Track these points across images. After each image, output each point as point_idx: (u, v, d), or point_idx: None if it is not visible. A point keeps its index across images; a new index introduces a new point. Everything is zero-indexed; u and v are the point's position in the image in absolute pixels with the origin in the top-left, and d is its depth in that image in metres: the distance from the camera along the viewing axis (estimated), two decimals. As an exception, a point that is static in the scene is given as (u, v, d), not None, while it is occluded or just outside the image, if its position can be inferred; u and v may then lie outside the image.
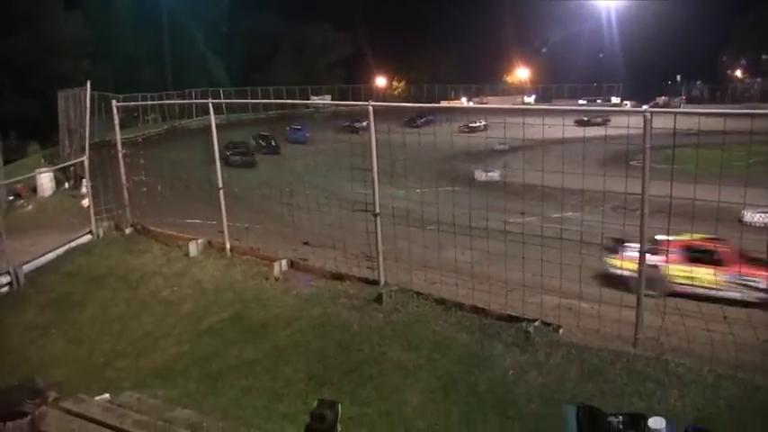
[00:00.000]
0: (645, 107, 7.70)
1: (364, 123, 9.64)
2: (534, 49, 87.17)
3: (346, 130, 39.13)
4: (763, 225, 18.13)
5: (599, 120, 38.29)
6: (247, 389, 7.91)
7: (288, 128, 43.50)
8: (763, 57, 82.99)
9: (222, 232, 11.47)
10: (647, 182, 7.38)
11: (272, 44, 71.10)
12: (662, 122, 7.79)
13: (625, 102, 67.91)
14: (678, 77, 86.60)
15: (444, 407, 7.01)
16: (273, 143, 39.06)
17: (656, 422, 4.63)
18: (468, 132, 35.79)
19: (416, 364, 7.66)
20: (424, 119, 42.83)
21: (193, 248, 11.57)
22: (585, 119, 39.37)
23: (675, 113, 8.26)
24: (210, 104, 11.56)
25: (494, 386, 7.12)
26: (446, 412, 6.91)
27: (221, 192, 11.46)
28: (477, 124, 39.66)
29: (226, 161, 27.59)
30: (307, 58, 74.63)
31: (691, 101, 77.04)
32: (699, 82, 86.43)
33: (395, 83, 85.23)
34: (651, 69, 77.44)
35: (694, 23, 72.64)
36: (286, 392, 7.68)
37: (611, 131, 8.70)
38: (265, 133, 40.28)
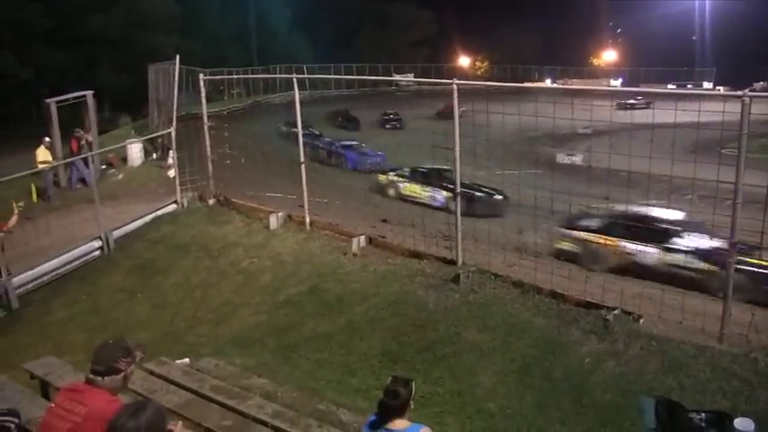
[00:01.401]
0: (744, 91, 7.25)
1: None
2: (620, 32, 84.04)
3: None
4: None
5: (641, 102, 36.57)
6: (321, 361, 8.05)
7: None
8: None
9: (302, 206, 11.65)
10: (741, 170, 7.01)
11: (356, 21, 71.34)
12: (758, 109, 7.38)
13: (718, 87, 64.62)
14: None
15: (517, 391, 6.94)
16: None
17: (743, 423, 4.38)
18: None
19: (491, 345, 7.60)
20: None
21: (274, 221, 11.81)
22: (629, 102, 37.77)
23: (776, 98, 7.80)
24: (295, 80, 11.70)
25: (569, 373, 6.99)
26: (519, 396, 6.84)
27: (303, 166, 11.61)
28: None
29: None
30: (390, 35, 74.45)
31: (792, 86, 72.55)
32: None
33: (478, 63, 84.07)
34: (747, 53, 73.20)
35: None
36: (359, 367, 7.78)
37: (703, 117, 8.27)
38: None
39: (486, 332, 7.83)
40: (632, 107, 35.20)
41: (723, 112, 7.93)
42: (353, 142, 28.04)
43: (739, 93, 7.21)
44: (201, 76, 13.56)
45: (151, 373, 6.92)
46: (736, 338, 7.08)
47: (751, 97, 7.07)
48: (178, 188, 13.48)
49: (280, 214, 11.97)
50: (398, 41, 75.00)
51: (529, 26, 78.82)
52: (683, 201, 13.41)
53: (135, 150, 19.30)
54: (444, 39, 75.40)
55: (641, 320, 7.49)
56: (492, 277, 8.85)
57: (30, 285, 10.83)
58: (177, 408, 6.10)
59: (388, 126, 39.57)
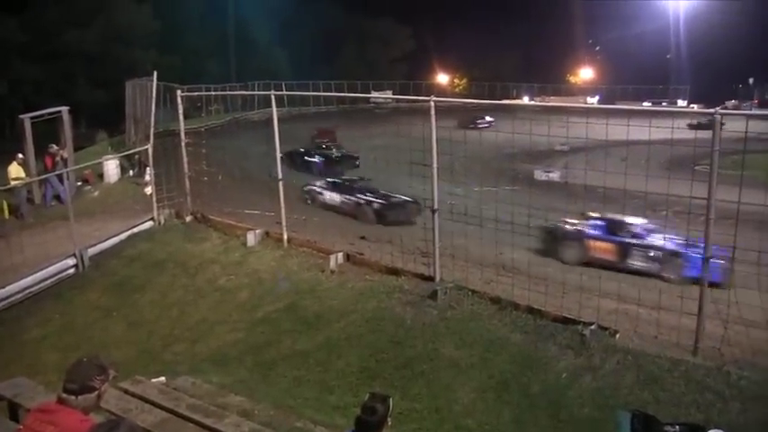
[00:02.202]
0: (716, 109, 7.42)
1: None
2: (598, 50, 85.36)
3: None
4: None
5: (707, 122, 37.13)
6: (299, 379, 8.01)
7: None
8: None
9: (280, 223, 11.63)
10: (714, 186, 7.14)
11: (334, 37, 71.60)
12: (731, 126, 7.55)
13: (692, 105, 65.75)
14: (750, 80, 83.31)
15: (495, 407, 6.96)
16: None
17: None
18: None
19: (469, 362, 7.61)
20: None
21: (251, 238, 11.76)
22: (701, 122, 38.43)
23: (748, 116, 7.99)
24: (273, 97, 11.72)
25: (546, 388, 7.03)
26: (497, 412, 6.86)
27: (280, 183, 11.60)
28: None
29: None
30: (370, 52, 74.82)
31: (763, 105, 73.93)
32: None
33: (456, 80, 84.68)
34: (720, 72, 74.67)
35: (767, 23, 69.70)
36: (337, 384, 7.75)
37: (676, 135, 8.43)
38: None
39: (463, 348, 7.84)
40: (701, 127, 35.84)
41: (696, 129, 8.10)
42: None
43: (711, 110, 7.37)
44: (179, 92, 13.53)
45: (126, 392, 6.83)
46: (710, 352, 7.17)
47: (722, 114, 7.22)
48: (155, 205, 13.38)
49: (257, 231, 11.93)
50: (378, 58, 75.37)
51: (507, 44, 79.70)
52: (658, 216, 13.65)
53: (111, 167, 19.12)
54: (424, 56, 75.88)
55: (617, 335, 7.57)
56: (469, 293, 8.88)
57: (2, 304, 10.64)
58: (153, 427, 6.03)
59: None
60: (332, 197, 19.84)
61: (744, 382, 6.55)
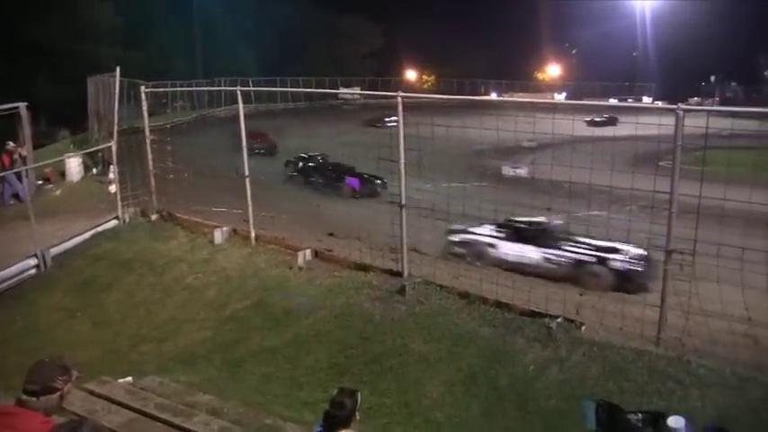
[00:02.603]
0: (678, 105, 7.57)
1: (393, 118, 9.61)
2: (566, 47, 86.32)
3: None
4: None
5: (605, 119, 38.09)
6: (268, 376, 7.99)
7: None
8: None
9: (247, 221, 11.55)
10: (676, 180, 7.30)
11: (303, 34, 71.16)
12: (694, 123, 7.72)
13: (657, 102, 66.94)
14: (712, 78, 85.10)
15: (464, 400, 7.02)
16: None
17: (675, 421, 4.58)
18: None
19: (437, 356, 7.67)
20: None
21: (218, 236, 11.67)
22: (599, 120, 39.27)
23: (708, 111, 8.16)
24: (239, 93, 11.62)
25: (514, 381, 7.12)
26: (465, 405, 6.92)
27: (247, 180, 11.52)
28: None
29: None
30: (338, 49, 74.59)
31: (725, 102, 75.38)
32: (734, 83, 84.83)
33: (425, 77, 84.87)
34: (685, 70, 76.16)
35: (732, 23, 71.23)
36: (306, 381, 7.74)
37: (641, 131, 8.60)
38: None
39: (432, 343, 7.90)
40: (600, 124, 36.63)
41: (659, 124, 8.26)
42: None
43: (673, 106, 7.51)
44: (143, 88, 13.33)
45: (92, 393, 6.75)
46: (672, 342, 7.33)
47: (684, 110, 7.37)
48: (119, 204, 13.18)
49: (224, 229, 11.83)
50: (347, 55, 75.19)
51: (476, 42, 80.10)
52: (623, 211, 13.85)
53: (74, 165, 18.75)
54: (393, 53, 76.00)
55: (583, 328, 7.69)
56: (438, 288, 8.94)
57: (-40, 307, 10.40)
58: (120, 428, 5.99)
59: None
60: (520, 252, 12.98)
61: (702, 371, 6.74)
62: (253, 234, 11.50)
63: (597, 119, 38.99)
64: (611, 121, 36.10)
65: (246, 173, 11.54)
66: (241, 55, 61.34)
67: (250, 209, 11.48)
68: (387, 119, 42.04)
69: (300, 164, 26.37)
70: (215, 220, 12.56)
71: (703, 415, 6.08)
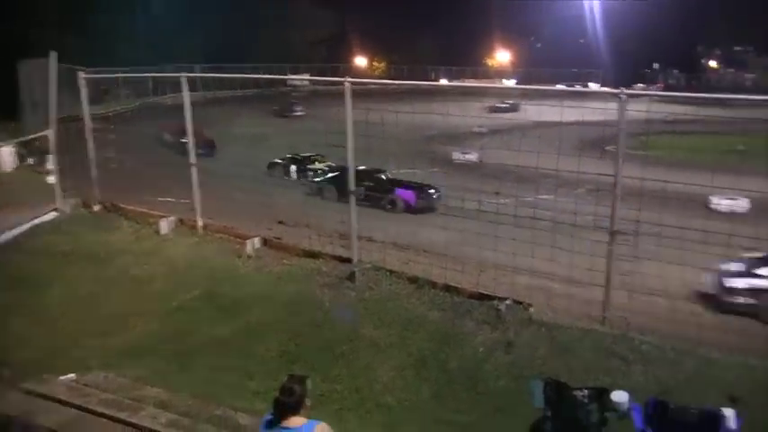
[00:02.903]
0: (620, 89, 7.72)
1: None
2: (517, 34, 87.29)
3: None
4: (728, 211, 18.30)
5: (508, 105, 39.07)
6: (218, 367, 7.85)
7: None
8: (735, 48, 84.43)
9: (195, 210, 11.33)
10: (620, 164, 7.46)
11: (253, 19, 70.04)
12: (638, 109, 7.90)
13: (603, 88, 68.39)
14: (656, 66, 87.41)
15: (415, 383, 7.05)
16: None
17: (618, 395, 4.71)
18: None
19: (388, 341, 7.67)
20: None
21: (164, 226, 11.40)
22: (501, 105, 40.17)
23: (649, 95, 8.34)
24: (183, 79, 11.32)
25: (464, 363, 7.18)
26: (416, 389, 6.95)
27: (194, 168, 11.29)
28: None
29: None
30: (287, 35, 73.73)
31: (667, 89, 77.78)
32: (676, 71, 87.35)
33: (375, 63, 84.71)
34: (631, 57, 77.97)
35: (675, 14, 73.30)
36: (257, 370, 7.64)
37: (592, 117, 8.79)
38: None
39: (382, 328, 7.90)
40: (502, 110, 37.43)
41: (496, 112, 8.41)
42: None
43: (616, 90, 7.66)
44: (81, 74, 12.90)
45: (30, 392, 6.52)
46: (617, 321, 7.51)
47: (627, 95, 7.52)
48: (59, 194, 12.73)
49: (170, 219, 11.57)
50: (296, 41, 74.41)
51: (427, 27, 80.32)
52: (571, 195, 14.11)
53: (5, 154, 17.99)
54: (343, 39, 75.63)
55: (531, 309, 7.81)
56: (387, 274, 8.95)
57: None
58: (61, 427, 5.81)
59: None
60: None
61: (645, 347, 6.95)
62: (200, 223, 11.29)
63: (500, 105, 39.86)
64: (513, 108, 37.26)
65: (193, 161, 11.32)
66: (188, 41, 60.02)
67: (196, 197, 11.26)
68: (295, 108, 41.71)
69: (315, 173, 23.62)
70: (161, 210, 12.27)
71: (645, 389, 6.26)
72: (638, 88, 63.95)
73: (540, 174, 12.74)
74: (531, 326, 7.49)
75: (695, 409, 4.70)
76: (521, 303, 7.88)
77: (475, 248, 9.23)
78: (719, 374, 6.60)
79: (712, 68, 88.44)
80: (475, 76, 76.97)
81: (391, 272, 9.00)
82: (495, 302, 7.86)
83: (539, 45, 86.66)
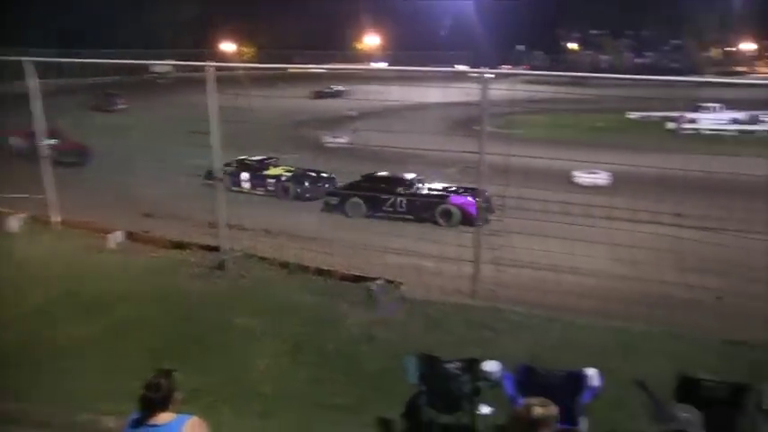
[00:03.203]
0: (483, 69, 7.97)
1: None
2: (386, 18, 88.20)
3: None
4: (590, 184, 19.36)
5: (332, 91, 40.34)
6: (81, 370, 7.36)
7: None
8: (592, 32, 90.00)
9: (48, 205, 10.58)
10: (483, 141, 7.71)
11: (110, 3, 66.24)
12: (500, 87, 8.18)
13: (466, 68, 70.58)
14: (522, 48, 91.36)
15: (291, 370, 6.94)
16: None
17: (489, 365, 5.01)
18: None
19: (262, 329, 7.51)
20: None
21: (14, 224, 10.56)
22: (324, 91, 41.25)
23: (512, 74, 8.64)
24: (30, 65, 10.45)
25: (340, 346, 7.15)
26: (293, 375, 6.85)
27: (46, 161, 10.53)
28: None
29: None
30: (150, 19, 70.50)
31: (532, 70, 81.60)
32: (540, 53, 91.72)
33: (243, 49, 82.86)
34: (498, 40, 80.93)
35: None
36: (124, 369, 7.23)
37: (462, 97, 9.05)
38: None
39: (256, 316, 7.72)
40: (327, 96, 38.34)
41: (319, 98, 8.65)
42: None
43: (479, 70, 7.89)
44: None
45: None
46: (487, 294, 7.79)
47: (489, 74, 7.76)
48: None
49: (21, 215, 10.73)
50: (159, 26, 71.35)
51: (294, 11, 79.49)
52: (443, 174, 14.50)
53: None
54: (208, 24, 73.37)
55: (403, 287, 7.94)
56: (258, 261, 8.80)
57: None
58: None
59: None
60: None
61: (514, 317, 7.25)
62: (57, 219, 10.55)
63: (325, 90, 40.76)
64: (338, 94, 38.43)
65: (45, 154, 10.54)
66: (38, 23, 55.84)
67: (51, 192, 10.51)
68: (116, 101, 39.46)
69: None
70: (14, 207, 11.34)
71: (515, 357, 6.52)
72: (504, 69, 66.80)
73: (410, 155, 13.02)
74: (403, 304, 7.61)
75: (561, 371, 4.98)
76: (392, 282, 7.98)
77: (350, 232, 9.29)
78: (584, 338, 6.99)
79: (572, 50, 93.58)
80: (344, 60, 77.19)
81: (262, 258, 8.85)
82: (368, 283, 7.92)
83: (383, 20, 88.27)
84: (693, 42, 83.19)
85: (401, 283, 7.95)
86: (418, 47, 77.10)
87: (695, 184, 10.76)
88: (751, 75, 73.32)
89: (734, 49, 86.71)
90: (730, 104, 36.27)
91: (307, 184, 18.29)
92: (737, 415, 4.60)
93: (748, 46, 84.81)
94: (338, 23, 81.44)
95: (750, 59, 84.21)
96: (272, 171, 19.46)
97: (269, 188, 18.71)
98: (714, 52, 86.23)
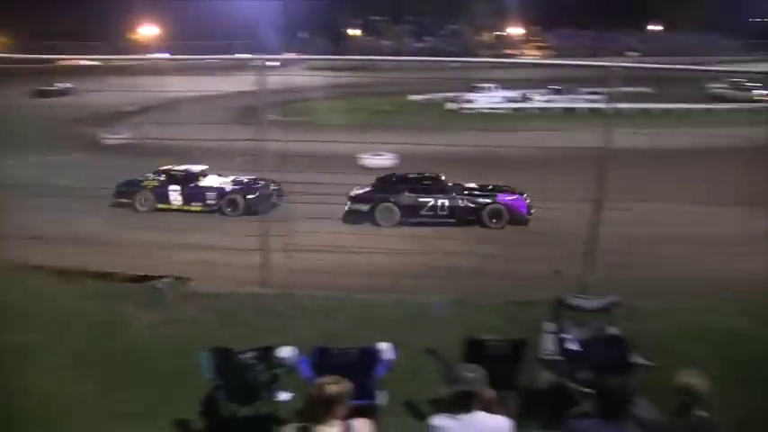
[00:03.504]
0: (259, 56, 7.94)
1: None
2: (166, 8, 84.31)
3: None
4: (377, 166, 20.03)
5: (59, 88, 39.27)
6: None
7: None
8: (372, 18, 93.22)
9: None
10: (264, 129, 7.74)
11: None
12: (284, 77, 8.22)
13: (243, 55, 69.80)
14: (305, 35, 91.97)
15: (77, 383, 6.46)
16: None
17: (284, 351, 5.10)
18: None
19: (39, 344, 6.90)
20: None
21: None
22: (45, 89, 39.91)
23: (287, 59, 8.73)
24: None
25: (128, 350, 6.82)
26: (78, 389, 6.38)
27: None
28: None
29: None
30: None
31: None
32: (324, 39, 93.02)
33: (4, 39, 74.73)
34: (280, 28, 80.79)
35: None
36: None
37: (244, 86, 8.91)
38: None
39: (32, 332, 7.06)
40: (52, 95, 36.73)
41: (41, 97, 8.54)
42: None
43: (255, 56, 7.86)
44: None
45: None
46: (279, 281, 7.86)
47: (265, 60, 7.77)
48: None
49: None
50: None
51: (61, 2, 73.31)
52: (229, 165, 14.26)
53: None
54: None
55: (192, 283, 7.77)
56: (32, 271, 8.08)
57: None
58: None
59: None
60: None
61: (306, 302, 7.39)
62: None
63: (48, 88, 39.26)
64: (66, 92, 37.46)
65: None
66: None
67: None
68: None
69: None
70: None
71: (311, 340, 6.67)
72: (291, 56, 66.90)
73: (195, 147, 12.68)
74: (193, 299, 7.46)
75: (354, 349, 5.19)
76: (180, 278, 7.78)
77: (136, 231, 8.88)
78: (376, 314, 7.30)
79: (355, 36, 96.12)
80: (123, 52, 72.75)
81: (37, 267, 8.14)
82: (155, 282, 7.64)
83: (161, 10, 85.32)
84: (468, 28, 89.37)
85: (190, 279, 7.76)
86: (201, 37, 74.77)
87: (474, 158, 11.66)
88: (520, 56, 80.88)
89: (504, 33, 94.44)
90: (504, 85, 39.61)
91: (257, 195, 14.14)
92: (518, 367, 5.17)
93: (517, 30, 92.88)
94: (111, 14, 76.46)
95: (519, 43, 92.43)
96: (209, 182, 15.57)
97: (208, 202, 15.18)
98: (487, 36, 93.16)
